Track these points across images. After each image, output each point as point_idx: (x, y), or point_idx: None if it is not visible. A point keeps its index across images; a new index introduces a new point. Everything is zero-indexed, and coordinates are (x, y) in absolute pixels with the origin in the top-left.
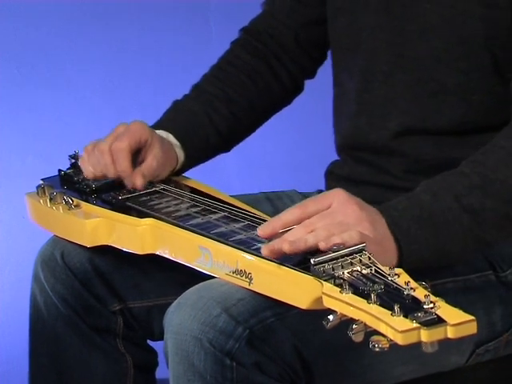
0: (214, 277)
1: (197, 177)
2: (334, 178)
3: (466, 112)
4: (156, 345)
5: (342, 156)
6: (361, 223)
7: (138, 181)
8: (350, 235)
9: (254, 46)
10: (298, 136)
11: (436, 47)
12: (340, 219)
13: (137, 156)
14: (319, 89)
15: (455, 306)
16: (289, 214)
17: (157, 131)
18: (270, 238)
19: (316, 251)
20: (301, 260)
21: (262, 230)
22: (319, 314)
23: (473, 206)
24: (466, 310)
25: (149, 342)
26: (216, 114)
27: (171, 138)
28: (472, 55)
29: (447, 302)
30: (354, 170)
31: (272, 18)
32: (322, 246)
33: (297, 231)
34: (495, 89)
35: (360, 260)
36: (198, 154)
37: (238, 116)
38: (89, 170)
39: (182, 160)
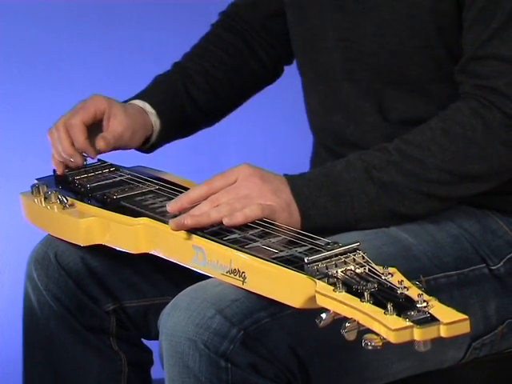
0: (209, 276)
1: (196, 176)
2: None
3: (427, 101)
4: (150, 343)
5: (321, 152)
6: (263, 195)
7: (100, 143)
8: (251, 209)
9: (231, 25)
10: (299, 138)
11: (390, 41)
12: (244, 193)
13: (100, 127)
14: None
15: (449, 305)
16: (196, 190)
17: (134, 101)
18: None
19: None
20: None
21: (170, 206)
22: (314, 313)
23: (382, 179)
24: (460, 306)
25: (144, 340)
26: (193, 85)
27: (147, 106)
28: (426, 47)
29: (441, 299)
30: None
31: (239, 9)
32: (226, 221)
33: (202, 206)
34: (452, 77)
35: (354, 259)
36: (174, 123)
37: (215, 88)
38: (55, 151)
39: (158, 128)
